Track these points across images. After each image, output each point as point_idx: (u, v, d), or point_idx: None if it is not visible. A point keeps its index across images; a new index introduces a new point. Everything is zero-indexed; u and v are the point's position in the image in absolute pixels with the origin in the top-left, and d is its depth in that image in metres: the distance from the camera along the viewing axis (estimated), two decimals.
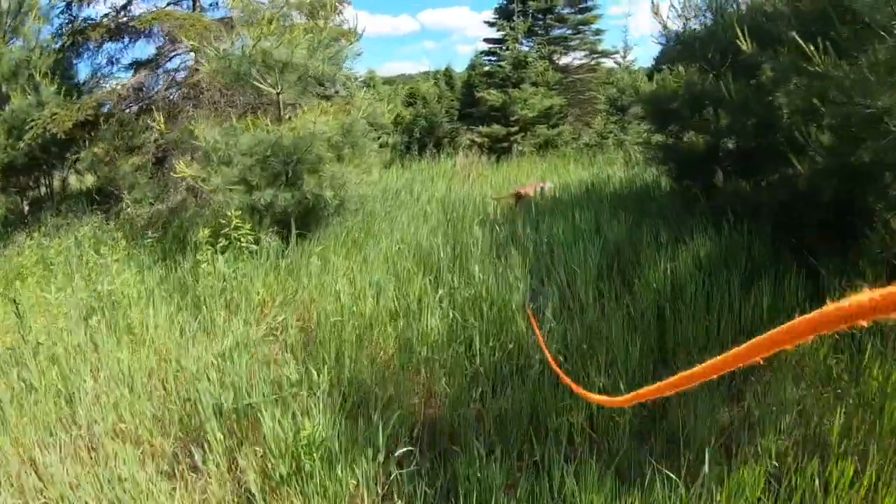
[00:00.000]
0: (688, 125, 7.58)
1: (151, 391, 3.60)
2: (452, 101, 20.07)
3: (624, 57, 15.45)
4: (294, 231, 5.91)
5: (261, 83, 6.31)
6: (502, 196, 8.62)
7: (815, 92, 4.91)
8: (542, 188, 8.60)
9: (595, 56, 18.60)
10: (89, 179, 9.37)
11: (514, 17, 15.81)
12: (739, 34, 5.43)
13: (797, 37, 4.50)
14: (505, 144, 13.85)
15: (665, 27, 7.12)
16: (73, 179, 9.72)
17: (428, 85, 21.80)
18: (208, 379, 3.44)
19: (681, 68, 8.08)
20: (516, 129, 13.94)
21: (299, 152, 5.96)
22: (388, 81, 34.96)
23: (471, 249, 5.49)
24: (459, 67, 23.60)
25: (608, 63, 18.53)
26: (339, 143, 6.34)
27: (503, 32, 16.96)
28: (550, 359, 2.20)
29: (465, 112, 20.21)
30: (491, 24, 19.06)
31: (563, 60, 18.61)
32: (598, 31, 18.49)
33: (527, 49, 15.33)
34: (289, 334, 4.17)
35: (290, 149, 5.94)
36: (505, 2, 18.02)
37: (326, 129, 6.03)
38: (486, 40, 19.55)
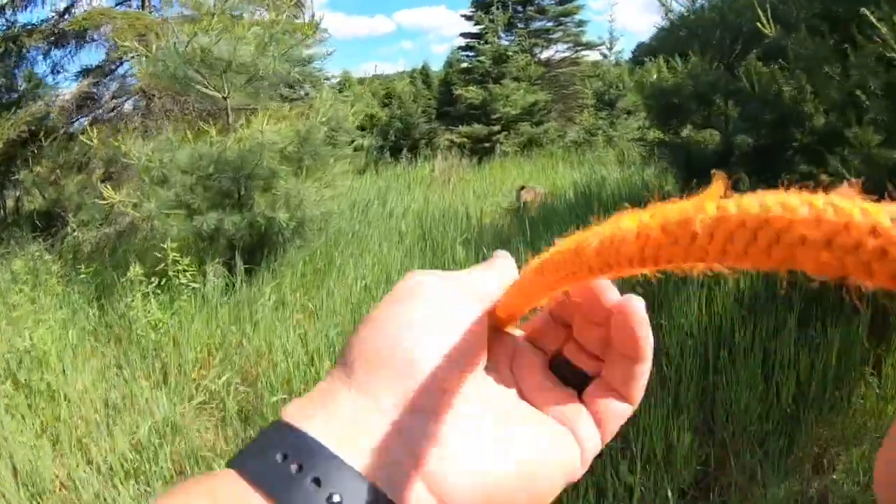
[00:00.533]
0: (696, 121, 6.79)
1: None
2: (430, 99, 19.19)
3: (610, 48, 14.62)
4: (240, 264, 4.99)
5: (205, 87, 5.40)
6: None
7: (855, 82, 4.17)
8: (534, 193, 7.82)
9: (578, 49, 17.78)
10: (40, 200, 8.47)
11: (493, 9, 14.87)
12: (761, 15, 4.64)
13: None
14: (487, 145, 12.93)
15: (668, 10, 6.31)
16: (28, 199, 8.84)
17: (403, 83, 20.89)
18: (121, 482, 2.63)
19: (677, 59, 7.27)
20: (498, 127, 13.03)
21: (248, 167, 5.04)
22: (363, 82, 34.01)
23: None
24: (437, 66, 22.74)
25: (592, 56, 17.73)
26: (294, 155, 5.43)
27: (481, 26, 16.04)
28: None
29: (442, 111, 19.31)
30: (468, 18, 18.15)
31: (545, 54, 17.78)
32: (580, 23, 17.65)
33: (507, 43, 14.34)
34: (229, 406, 3.31)
35: (237, 163, 5.03)
36: None
37: (278, 139, 5.12)
38: (464, 35, 18.64)
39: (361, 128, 20.24)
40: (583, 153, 12.45)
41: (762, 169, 5.57)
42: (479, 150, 12.86)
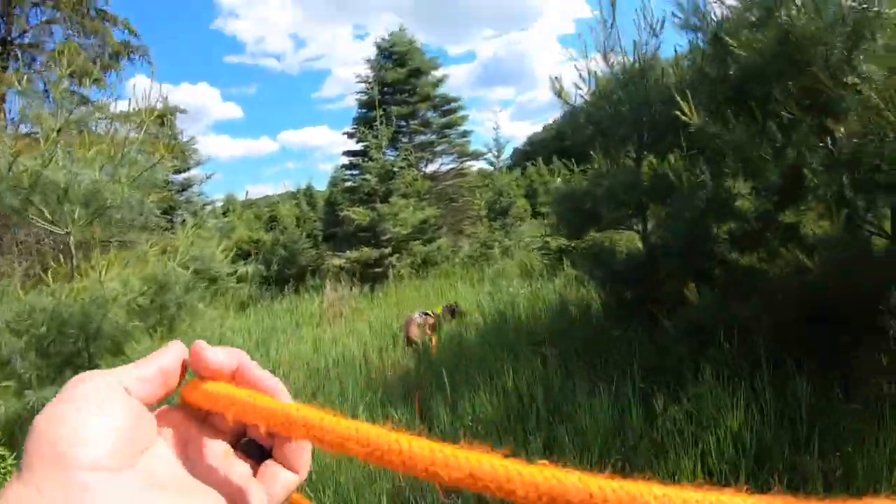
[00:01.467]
0: (607, 224, 6.07)
1: None
2: (315, 221, 18.31)
3: (498, 156, 14.20)
4: None
5: (38, 220, 4.14)
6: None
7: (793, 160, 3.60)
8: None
9: (464, 159, 17.46)
10: None
11: (376, 125, 14.20)
12: (681, 103, 3.97)
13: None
14: (378, 270, 11.87)
15: (566, 101, 5.65)
16: None
17: (288, 206, 19.95)
18: None
19: (556, 162, 6.63)
20: (389, 249, 12.06)
21: (89, 326, 3.74)
22: (249, 205, 32.94)
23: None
24: (322, 185, 22.16)
25: (477, 165, 17.48)
26: (150, 307, 4.16)
27: (365, 143, 15.41)
28: None
29: (329, 233, 18.40)
30: (350, 136, 17.60)
31: (430, 167, 17.33)
32: (464, 133, 17.43)
33: (392, 158, 13.60)
34: None
35: (81, 319, 3.74)
36: (364, 110, 16.61)
37: (121, 290, 3.86)
38: (347, 153, 18.02)
39: (246, 254, 18.91)
40: (481, 268, 11.63)
41: (685, 266, 4.81)
42: (370, 275, 11.78)
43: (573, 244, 9.06)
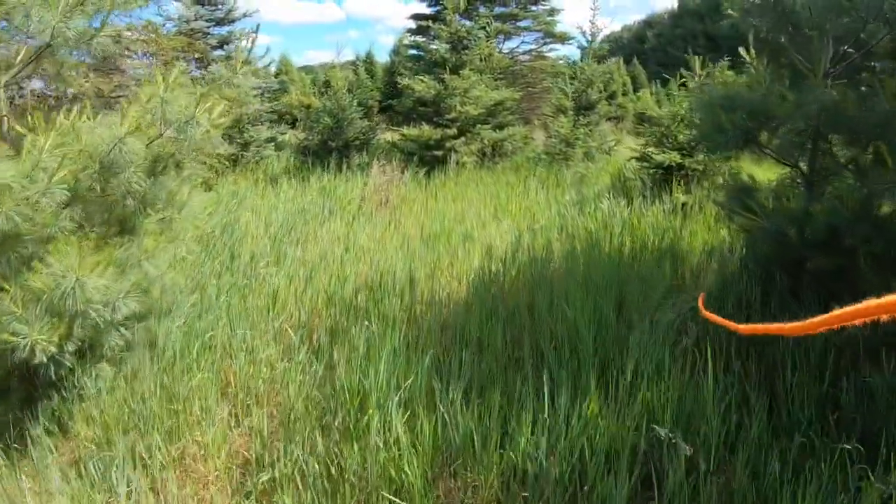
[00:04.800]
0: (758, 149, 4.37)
1: None
2: (371, 90, 16.57)
3: (591, 40, 12.01)
4: None
5: None
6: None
7: None
8: None
9: (548, 41, 15.23)
10: None
11: None
12: None
13: None
14: (438, 153, 10.11)
15: None
16: None
17: (345, 73, 18.37)
18: None
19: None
20: (454, 130, 10.25)
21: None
22: (307, 70, 31.34)
23: None
24: (384, 58, 20.51)
25: (561, 51, 15.31)
26: (89, 200, 2.70)
27: (438, 6, 13.27)
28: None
29: (385, 105, 16.64)
30: None
31: (508, 45, 15.20)
32: (552, 11, 15.07)
33: (468, 25, 11.48)
34: None
35: None
36: None
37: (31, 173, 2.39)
38: (415, 17, 15.88)
39: (294, 120, 17.27)
40: (559, 169, 9.91)
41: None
42: (429, 158, 10.04)
43: (688, 163, 7.32)
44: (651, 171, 7.75)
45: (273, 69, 22.84)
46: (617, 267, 4.56)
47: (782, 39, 4.15)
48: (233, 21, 13.31)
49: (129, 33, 7.33)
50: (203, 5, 11.93)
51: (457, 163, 9.84)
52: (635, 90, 27.16)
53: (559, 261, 5.07)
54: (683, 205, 6.58)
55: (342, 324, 3.87)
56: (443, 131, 10.05)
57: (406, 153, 10.55)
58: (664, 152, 7.34)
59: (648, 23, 67.37)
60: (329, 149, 10.83)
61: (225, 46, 12.56)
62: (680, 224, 5.82)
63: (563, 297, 3.90)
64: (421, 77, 10.62)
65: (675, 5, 58.51)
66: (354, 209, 7.61)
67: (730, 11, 4.38)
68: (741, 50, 4.50)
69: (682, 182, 7.24)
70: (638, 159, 8.03)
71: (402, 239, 6.03)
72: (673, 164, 7.11)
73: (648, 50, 47.10)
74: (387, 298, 4.22)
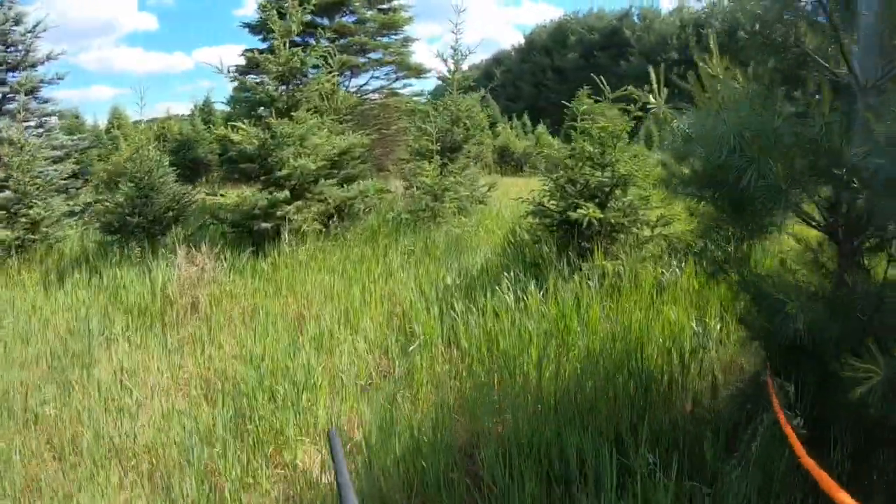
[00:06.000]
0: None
1: None
2: (211, 143, 14.11)
3: (454, 71, 9.99)
4: None
5: None
6: None
7: None
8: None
9: (401, 75, 13.16)
10: None
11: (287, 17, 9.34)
12: None
13: None
14: (267, 224, 7.48)
15: None
16: None
17: (181, 125, 15.91)
18: None
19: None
20: (285, 193, 7.60)
21: None
22: (141, 122, 28.27)
23: None
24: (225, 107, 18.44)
25: (416, 85, 13.34)
26: None
27: (270, 40, 10.75)
28: None
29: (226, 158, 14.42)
30: (252, 28, 13.00)
31: (355, 82, 13.00)
32: (406, 40, 13.00)
33: (304, 54, 8.93)
34: None
35: None
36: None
37: None
38: (245, 52, 13.40)
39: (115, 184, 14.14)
40: (427, 231, 7.72)
41: None
42: (256, 233, 7.40)
43: (611, 217, 5.31)
44: (553, 229, 5.70)
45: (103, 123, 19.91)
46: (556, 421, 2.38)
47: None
48: (33, 65, 10.67)
49: None
50: None
51: (294, 232, 7.34)
52: (492, 126, 26.45)
53: (459, 414, 2.85)
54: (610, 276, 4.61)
55: None
56: (272, 195, 7.44)
57: (230, 225, 7.93)
58: (574, 204, 5.29)
59: (497, 59, 69.07)
60: (129, 227, 8.03)
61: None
62: (644, 315, 3.74)
63: None
64: (243, 124, 8.01)
65: (522, 41, 59.92)
66: (155, 318, 5.13)
67: None
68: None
69: (602, 242, 5.23)
70: (534, 214, 5.94)
71: (203, 383, 3.62)
72: (594, 219, 5.06)
73: (498, 86, 48.57)
74: None
